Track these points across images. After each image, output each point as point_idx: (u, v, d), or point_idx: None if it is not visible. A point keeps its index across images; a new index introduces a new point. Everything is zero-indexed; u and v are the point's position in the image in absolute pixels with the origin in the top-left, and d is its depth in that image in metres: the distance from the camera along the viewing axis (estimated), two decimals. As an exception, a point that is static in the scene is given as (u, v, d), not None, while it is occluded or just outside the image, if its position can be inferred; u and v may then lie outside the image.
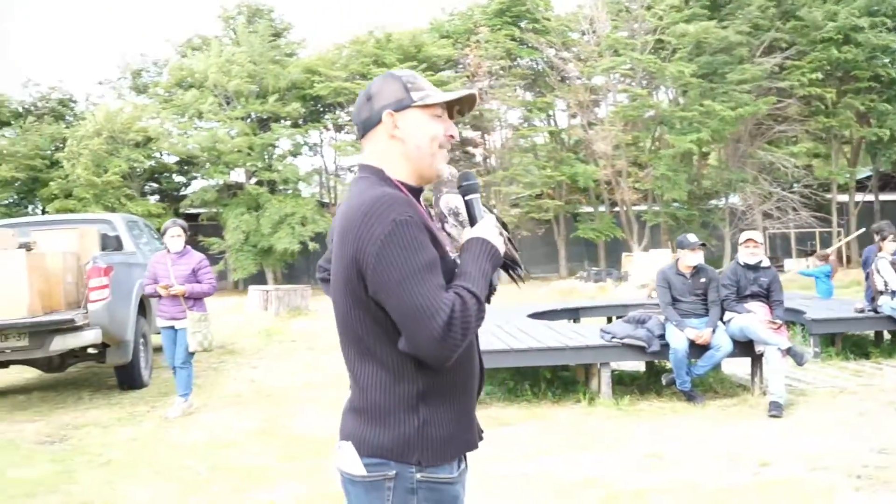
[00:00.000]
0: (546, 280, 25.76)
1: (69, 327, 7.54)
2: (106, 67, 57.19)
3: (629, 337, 7.28)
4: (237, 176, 27.67)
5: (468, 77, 27.26)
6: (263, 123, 26.96)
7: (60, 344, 7.65)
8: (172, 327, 7.47)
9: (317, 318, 16.62)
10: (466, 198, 2.18)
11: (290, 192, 27.13)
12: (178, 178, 28.83)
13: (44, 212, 26.90)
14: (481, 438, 2.17)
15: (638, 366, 8.58)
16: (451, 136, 2.10)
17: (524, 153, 28.41)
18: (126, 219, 10.29)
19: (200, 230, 26.76)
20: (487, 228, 2.07)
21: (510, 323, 9.13)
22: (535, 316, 10.29)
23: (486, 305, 1.98)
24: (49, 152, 26.52)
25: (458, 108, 2.16)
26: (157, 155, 26.77)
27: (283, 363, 10.66)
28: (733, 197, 28.85)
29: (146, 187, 27.26)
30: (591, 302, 14.01)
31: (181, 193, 28.51)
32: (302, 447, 6.28)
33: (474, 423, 2.11)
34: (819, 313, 9.26)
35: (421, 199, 2.22)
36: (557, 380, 8.06)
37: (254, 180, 26.72)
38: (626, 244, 26.91)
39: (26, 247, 7.78)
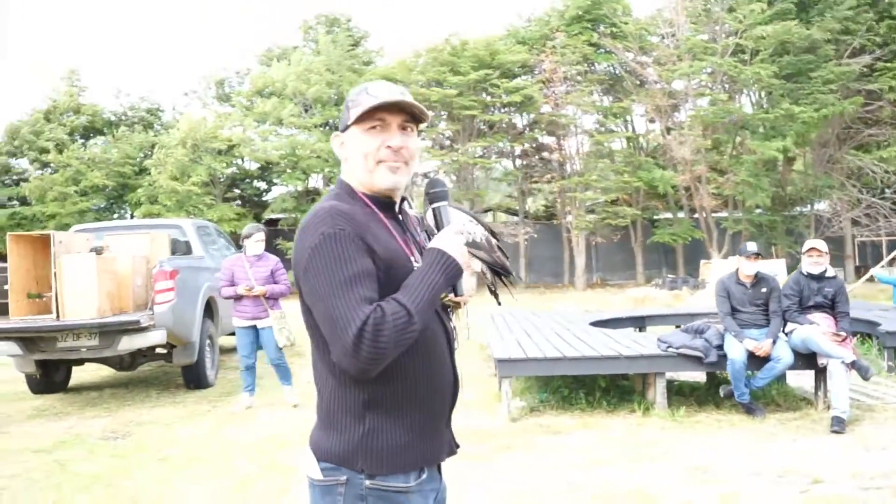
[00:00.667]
0: (622, 287, 25.39)
1: (136, 328, 7.83)
2: (192, 78, 59.10)
3: (685, 347, 7.13)
4: (315, 182, 28.20)
5: (543, 83, 27.13)
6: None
7: (128, 344, 7.96)
8: (254, 326, 7.78)
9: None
10: (433, 206, 2.18)
11: (366, 197, 27.47)
12: (258, 185, 29.55)
13: (132, 216, 27.98)
14: (453, 452, 2.17)
15: (699, 376, 8.40)
16: (389, 147, 2.06)
17: (601, 159, 28.11)
18: (196, 224, 10.62)
19: (280, 235, 27.39)
20: (447, 239, 2.04)
21: (569, 331, 9.06)
22: (598, 324, 10.17)
23: (429, 317, 1.97)
24: (138, 160, 27.61)
25: (418, 111, 2.14)
26: (239, 162, 27.52)
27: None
28: (819, 203, 27.88)
29: (228, 193, 27.99)
30: (662, 310, 13.75)
31: (262, 199, 29.20)
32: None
33: (439, 436, 2.09)
34: (895, 325, 8.88)
35: (405, 208, 2.24)
36: (615, 389, 7.95)
37: (331, 186, 27.22)
38: (705, 251, 26.30)
39: (97, 251, 8.11)
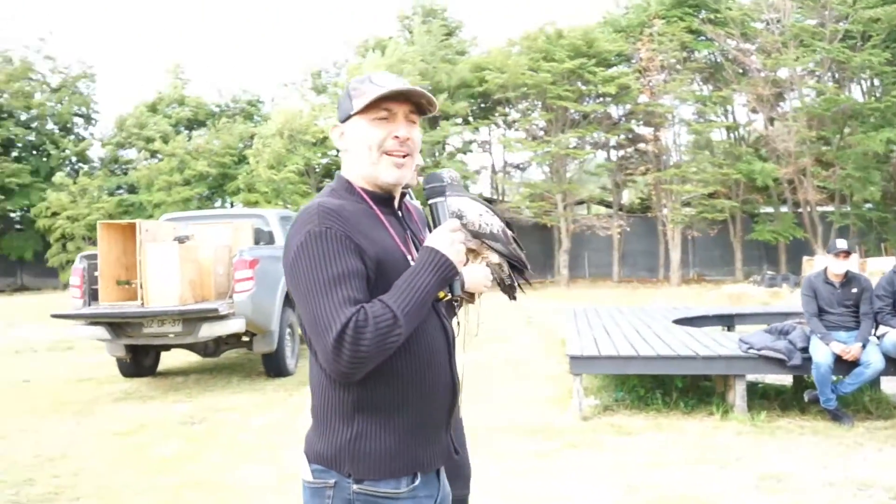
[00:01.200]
0: (718, 283, 24.62)
1: (215, 316, 8.04)
2: (293, 70, 60.34)
3: (767, 348, 6.81)
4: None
5: (639, 72, 26.51)
6: (433, 121, 27.52)
7: (208, 331, 8.18)
8: None
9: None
10: (430, 201, 2.10)
11: (456, 189, 27.49)
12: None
13: (231, 205, 28.87)
14: (451, 458, 2.09)
15: (785, 379, 8.03)
16: (397, 138, 2.00)
17: (699, 150, 27.29)
18: (280, 214, 10.82)
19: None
20: (442, 237, 1.96)
21: (650, 328, 8.81)
22: (684, 322, 9.85)
23: (419, 319, 1.89)
24: (238, 149, 28.49)
25: (426, 101, 2.06)
26: (333, 153, 27.97)
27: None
28: (936, 198, 26.35)
29: (322, 183, 28.49)
30: (755, 308, 13.23)
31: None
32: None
33: (433, 441, 2.01)
34: None
35: (407, 202, 2.18)
36: (697, 389, 7.70)
37: (421, 178, 27.37)
38: (809, 247, 25.21)
39: (180, 240, 8.36)
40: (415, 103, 2.03)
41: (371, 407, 1.91)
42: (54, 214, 27.19)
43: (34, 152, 30.62)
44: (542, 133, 28.03)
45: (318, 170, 28.01)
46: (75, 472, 5.74)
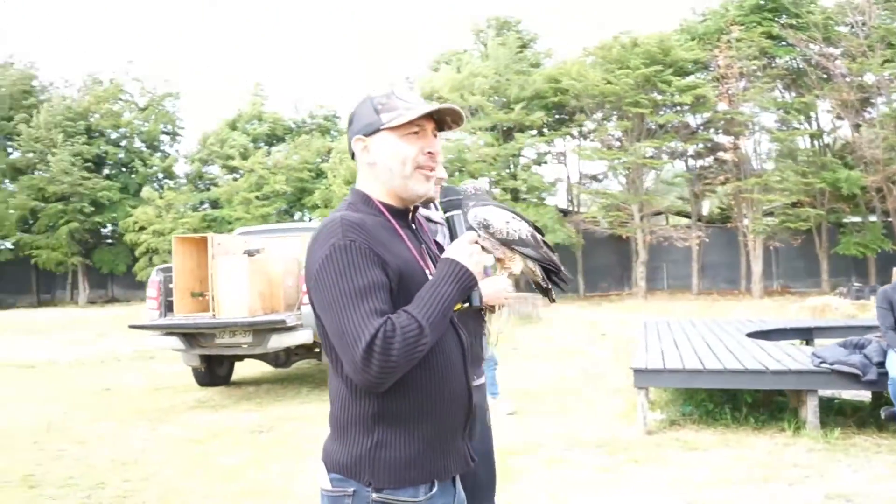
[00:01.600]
0: (803, 296, 23.84)
1: (283, 327, 8.22)
2: (365, 85, 61.37)
3: (839, 363, 6.58)
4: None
5: (717, 80, 25.98)
6: (508, 133, 27.53)
7: (277, 342, 8.36)
8: None
9: (548, 326, 16.72)
10: (447, 214, 2.15)
11: (534, 200, 27.43)
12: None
13: (309, 219, 29.42)
14: (469, 465, 2.11)
15: (864, 395, 7.73)
16: (430, 154, 2.06)
17: (781, 158, 26.54)
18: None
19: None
20: (460, 249, 2.00)
21: (721, 341, 8.61)
22: (758, 335, 9.59)
23: (442, 330, 1.93)
24: (315, 164, 29.04)
25: (451, 119, 2.12)
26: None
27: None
28: None
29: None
30: (836, 322, 12.77)
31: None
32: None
33: (450, 450, 2.04)
34: None
35: (419, 216, 2.22)
36: (770, 405, 7.49)
37: (498, 189, 27.37)
38: (900, 258, 24.21)
39: (249, 253, 8.58)
40: (438, 119, 2.09)
41: (391, 417, 1.94)
42: (141, 229, 28.20)
43: (123, 169, 31.88)
44: (617, 143, 27.73)
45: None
46: (145, 476, 5.95)
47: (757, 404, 7.40)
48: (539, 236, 3.43)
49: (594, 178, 30.28)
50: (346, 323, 1.82)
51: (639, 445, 6.50)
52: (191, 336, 8.65)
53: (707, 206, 31.71)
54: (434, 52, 32.55)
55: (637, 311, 20.52)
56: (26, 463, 6.47)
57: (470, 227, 3.38)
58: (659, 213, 30.25)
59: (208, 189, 31.54)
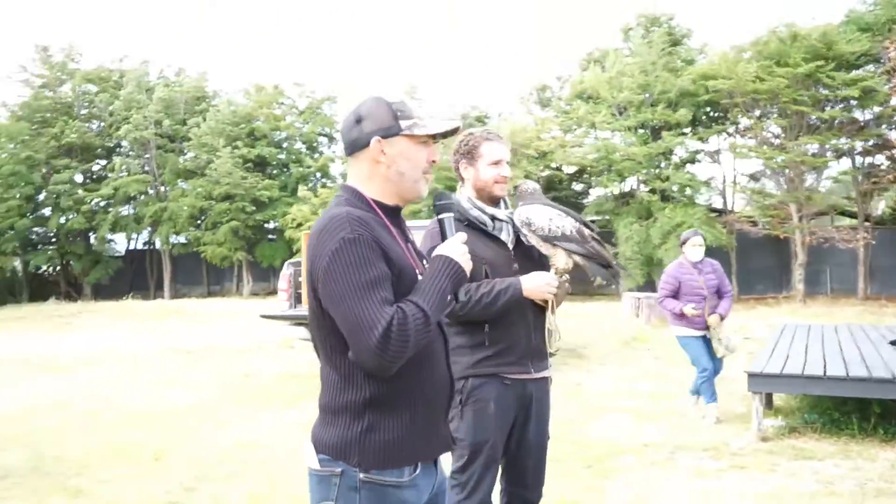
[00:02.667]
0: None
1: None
2: (517, 85, 61.34)
3: (977, 374, 6.09)
4: (630, 184, 27.94)
5: (889, 72, 24.22)
6: (656, 132, 26.87)
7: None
8: (704, 336, 7.56)
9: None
10: (439, 217, 2.28)
11: (683, 200, 26.64)
12: (575, 187, 29.96)
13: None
14: (450, 448, 2.23)
15: None
16: (433, 161, 2.22)
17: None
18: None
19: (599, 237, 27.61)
20: (453, 247, 2.13)
21: (859, 348, 8.11)
22: (905, 343, 8.95)
23: (438, 320, 2.08)
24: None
25: (443, 134, 2.25)
26: (554, 166, 28.11)
27: (619, 370, 10.71)
28: None
29: (546, 195, 28.70)
30: None
31: (579, 202, 29.57)
32: (590, 451, 6.37)
33: (435, 433, 2.16)
34: None
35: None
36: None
37: (646, 189, 26.82)
38: None
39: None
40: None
41: (380, 403, 2.09)
42: (298, 226, 29.60)
43: (284, 169, 33.58)
44: (776, 140, 26.42)
45: (540, 183, 28.23)
46: (263, 459, 6.35)
47: (889, 415, 6.95)
48: (587, 231, 3.49)
49: (751, 176, 28.98)
50: (361, 311, 1.96)
51: (749, 452, 6.30)
52: (305, 324, 9.06)
53: (881, 206, 29.64)
54: (583, 51, 32.18)
55: (792, 315, 19.54)
56: (162, 440, 7.08)
57: (523, 223, 3.51)
58: (822, 214, 28.58)
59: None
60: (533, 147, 26.23)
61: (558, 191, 28.70)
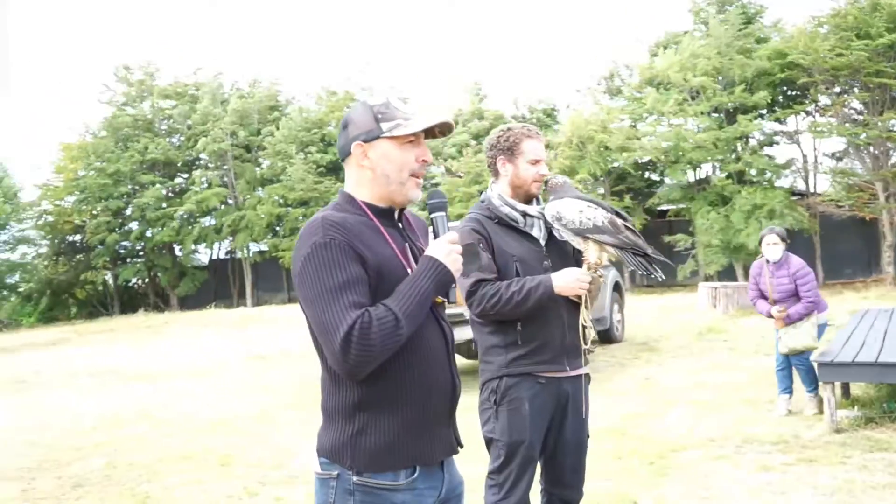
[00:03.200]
0: None
1: (462, 320, 8.46)
2: (584, 75, 60.20)
3: None
4: (705, 171, 27.26)
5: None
6: (730, 115, 26.14)
7: (459, 335, 8.64)
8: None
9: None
10: (431, 215, 2.25)
11: (763, 183, 25.85)
12: (648, 176, 29.33)
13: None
14: (454, 451, 2.19)
15: None
16: (424, 161, 2.19)
17: None
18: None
19: (668, 228, 27.10)
20: (441, 247, 2.12)
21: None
22: None
23: (419, 322, 2.06)
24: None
25: (438, 130, 2.22)
26: (624, 155, 27.55)
27: (691, 362, 10.48)
28: None
29: (616, 186, 28.17)
30: None
31: (652, 190, 28.96)
32: (653, 447, 6.27)
33: (433, 437, 2.14)
34: None
35: (408, 215, 2.34)
36: None
37: (722, 174, 26.12)
38: None
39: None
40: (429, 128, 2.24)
41: (371, 405, 2.10)
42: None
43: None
44: (858, 117, 25.40)
45: (610, 173, 27.77)
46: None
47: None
48: (620, 222, 3.41)
49: (834, 156, 27.94)
50: (327, 315, 1.99)
51: (820, 444, 6.08)
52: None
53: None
54: (652, 36, 31.53)
55: (881, 299, 18.76)
56: (230, 445, 7.27)
57: (553, 218, 3.46)
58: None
59: (436, 185, 32.77)
60: (597, 141, 25.78)
61: (629, 182, 28.19)
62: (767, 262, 7.35)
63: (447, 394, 2.21)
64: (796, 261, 7.31)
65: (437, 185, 29.91)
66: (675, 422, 7.16)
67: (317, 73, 67.24)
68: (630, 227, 3.37)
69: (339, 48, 69.94)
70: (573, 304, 3.44)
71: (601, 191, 27.77)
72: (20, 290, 34.23)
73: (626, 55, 30.80)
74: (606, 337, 12.40)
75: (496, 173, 3.54)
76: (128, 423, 8.82)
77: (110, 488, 6.12)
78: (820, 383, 6.71)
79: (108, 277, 34.68)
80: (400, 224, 2.30)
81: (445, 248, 2.13)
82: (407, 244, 2.26)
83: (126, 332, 22.56)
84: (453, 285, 2.19)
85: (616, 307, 12.94)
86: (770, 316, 7.29)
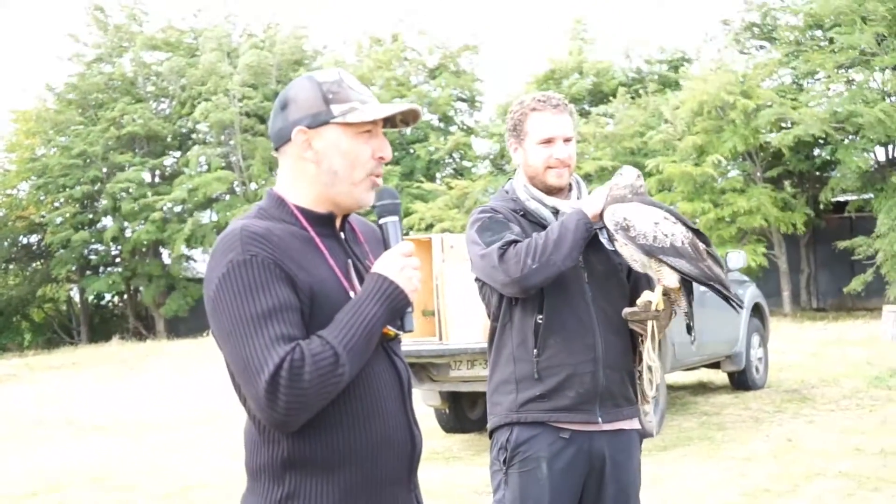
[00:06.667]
0: None
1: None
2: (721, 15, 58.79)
3: None
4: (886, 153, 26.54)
5: None
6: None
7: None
8: None
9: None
10: (381, 221, 2.30)
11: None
12: (818, 154, 28.42)
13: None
14: None
15: None
16: (382, 158, 2.27)
17: None
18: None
19: (854, 225, 26.48)
20: (392, 261, 2.17)
21: None
22: None
23: (365, 358, 2.13)
24: (643, 131, 28.27)
25: (401, 118, 2.29)
26: (785, 126, 26.82)
27: (854, 418, 10.32)
28: None
29: (770, 171, 27.38)
30: None
31: (823, 176, 28.18)
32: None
33: (382, 500, 2.20)
34: None
35: (353, 222, 2.39)
36: None
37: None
38: None
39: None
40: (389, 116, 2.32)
41: (304, 463, 2.18)
42: (429, 227, 29.67)
43: (407, 151, 33.43)
44: None
45: (762, 151, 27.09)
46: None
47: None
48: (702, 246, 3.33)
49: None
50: (248, 352, 2.06)
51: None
52: (420, 367, 9.19)
53: None
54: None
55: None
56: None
57: (618, 226, 3.35)
58: None
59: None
60: (740, 107, 24.99)
61: (787, 165, 27.37)
62: None
63: (403, 449, 2.27)
64: None
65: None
66: (813, 502, 7.07)
67: (355, 14, 67.33)
68: (713, 253, 3.31)
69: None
70: (612, 330, 3.40)
71: (756, 174, 27.02)
72: (-47, 310, 34.23)
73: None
74: (741, 381, 12.33)
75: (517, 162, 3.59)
76: (72, 488, 9.07)
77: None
78: None
79: (74, 293, 35.01)
80: (342, 234, 2.37)
81: (398, 263, 2.19)
82: (350, 260, 2.32)
83: (93, 367, 22.99)
84: (409, 310, 2.25)
85: (756, 340, 12.74)
86: None
